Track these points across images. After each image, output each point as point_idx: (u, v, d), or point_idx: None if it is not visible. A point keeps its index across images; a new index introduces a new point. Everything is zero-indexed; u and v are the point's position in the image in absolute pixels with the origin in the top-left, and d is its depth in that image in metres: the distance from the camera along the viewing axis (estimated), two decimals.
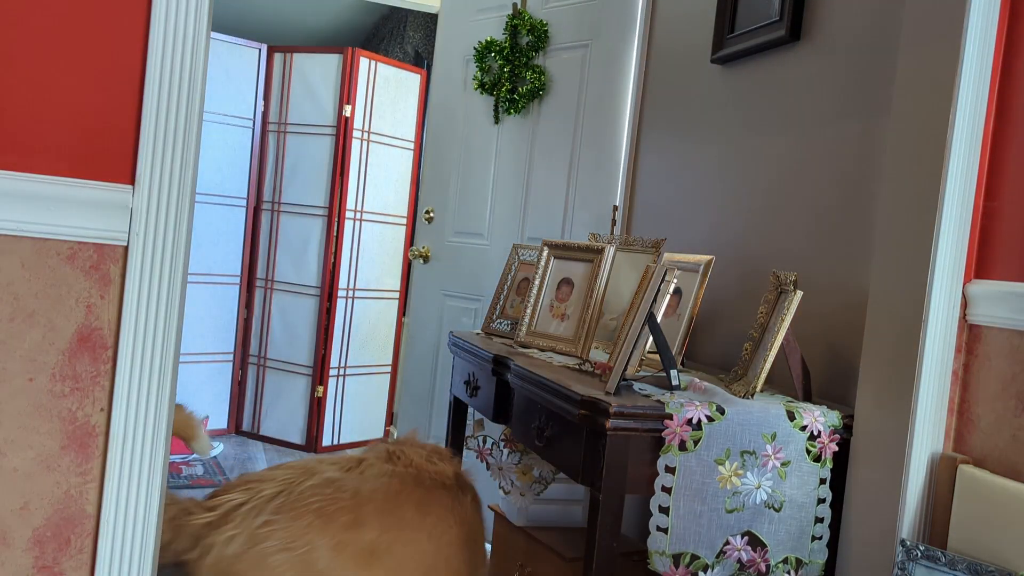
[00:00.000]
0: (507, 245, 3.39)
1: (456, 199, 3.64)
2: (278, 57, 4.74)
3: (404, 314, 4.98)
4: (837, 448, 1.69)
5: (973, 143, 1.54)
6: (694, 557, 1.61)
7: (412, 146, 5.00)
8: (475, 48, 3.49)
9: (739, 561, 1.62)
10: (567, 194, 3.24)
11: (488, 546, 2.01)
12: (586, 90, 3.19)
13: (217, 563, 1.48)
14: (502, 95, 3.40)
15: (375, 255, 4.88)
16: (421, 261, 3.70)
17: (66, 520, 1.51)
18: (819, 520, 1.68)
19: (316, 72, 4.70)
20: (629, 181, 2.94)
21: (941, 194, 1.53)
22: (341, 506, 1.58)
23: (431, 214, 3.69)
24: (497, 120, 3.48)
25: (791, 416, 1.66)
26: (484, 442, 2.61)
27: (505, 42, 3.39)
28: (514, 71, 3.37)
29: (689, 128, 2.60)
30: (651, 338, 1.78)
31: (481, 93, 3.50)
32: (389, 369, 5.06)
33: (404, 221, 5.02)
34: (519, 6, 3.41)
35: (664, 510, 1.60)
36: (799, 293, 1.73)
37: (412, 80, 5.00)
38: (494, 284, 3.39)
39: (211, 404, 4.67)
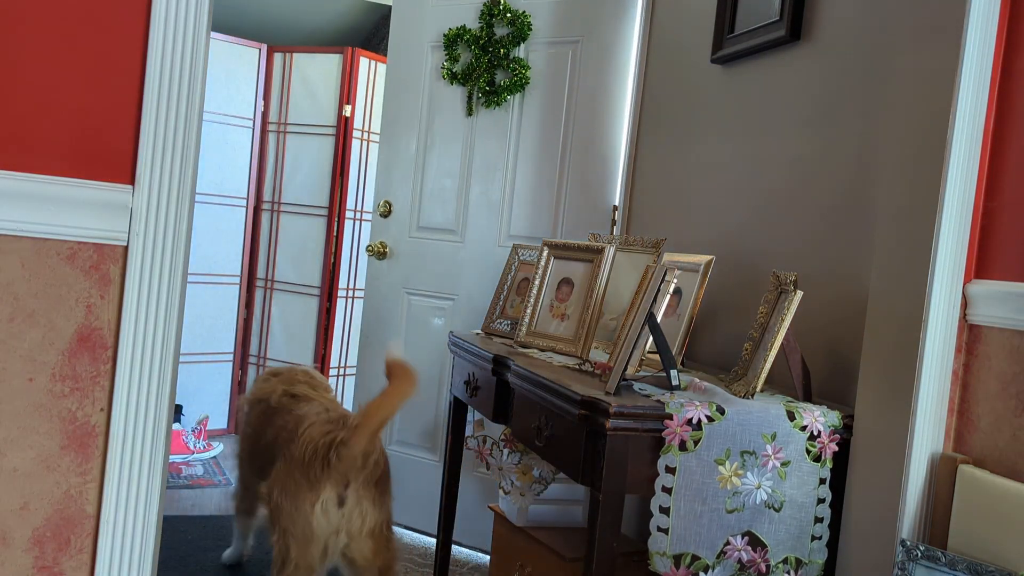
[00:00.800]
0: (484, 243, 3.31)
1: (418, 193, 3.48)
2: (278, 57, 4.74)
3: None
4: (837, 448, 1.69)
5: (973, 143, 1.54)
6: (695, 557, 1.61)
7: None
8: (444, 35, 3.34)
9: (739, 561, 1.62)
10: (558, 193, 3.17)
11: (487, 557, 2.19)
12: (577, 87, 3.14)
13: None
14: (480, 86, 3.27)
15: None
16: (376, 258, 3.55)
17: (66, 520, 1.51)
18: (819, 520, 1.68)
19: (316, 72, 4.70)
20: (629, 181, 2.93)
21: (941, 194, 1.53)
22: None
23: (389, 208, 3.54)
24: (471, 112, 3.34)
25: (791, 416, 1.66)
26: (484, 442, 2.61)
27: (481, 31, 3.26)
28: (491, 62, 3.24)
29: (689, 128, 2.60)
30: (651, 338, 1.78)
31: (451, 83, 3.35)
32: None
33: None
34: None
35: (664, 510, 1.60)
36: (799, 293, 1.73)
37: None
38: (470, 283, 3.33)
39: (211, 404, 4.67)
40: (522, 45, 3.24)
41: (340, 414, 2.29)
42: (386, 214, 3.54)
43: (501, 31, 3.26)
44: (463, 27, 3.30)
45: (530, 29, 3.21)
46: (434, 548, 3.05)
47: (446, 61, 3.36)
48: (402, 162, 3.53)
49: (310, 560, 2.15)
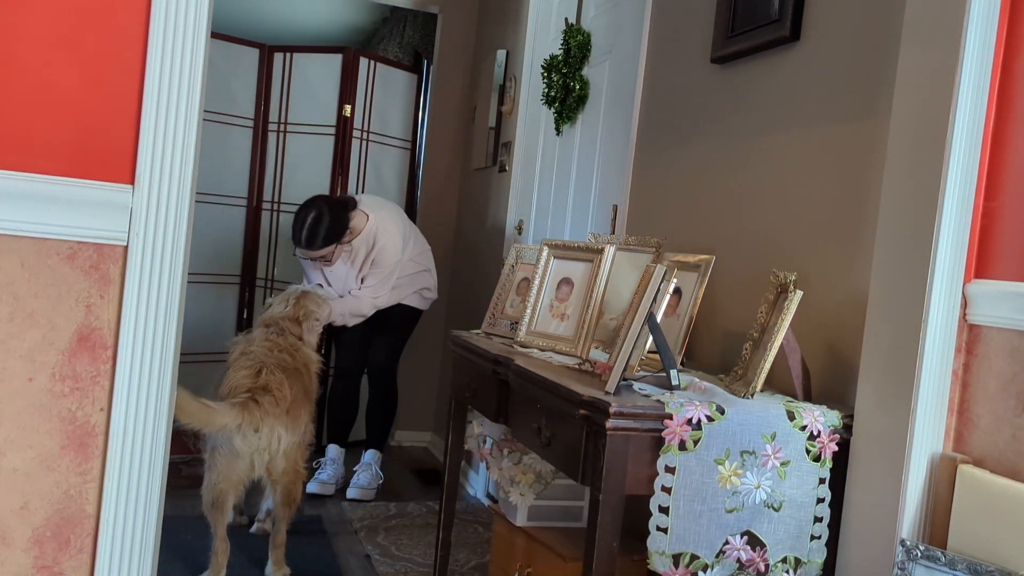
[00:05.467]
0: None
1: (536, 210, 3.84)
2: (278, 57, 4.74)
3: None
4: (837, 448, 1.69)
5: (973, 143, 1.54)
6: (694, 557, 1.61)
7: (409, 146, 4.99)
8: (542, 65, 3.61)
9: (738, 560, 1.62)
10: (591, 198, 3.31)
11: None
12: (609, 94, 3.25)
13: None
14: (555, 107, 3.53)
15: None
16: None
17: (66, 520, 1.51)
18: (818, 520, 1.68)
19: (316, 72, 4.70)
20: (629, 181, 2.94)
21: (941, 194, 1.53)
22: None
23: (521, 226, 3.92)
24: (558, 132, 3.62)
25: (791, 416, 1.66)
26: (484, 442, 2.61)
27: (561, 56, 3.49)
28: (565, 83, 3.47)
29: (689, 128, 2.60)
30: (651, 338, 1.78)
31: (547, 107, 3.62)
32: None
33: None
34: (570, 20, 3.51)
35: (664, 510, 1.60)
36: (799, 293, 1.73)
37: (411, 80, 4.99)
38: None
39: None
40: (585, 63, 3.44)
41: (259, 363, 2.81)
42: (520, 231, 3.94)
43: (574, 54, 3.46)
44: (553, 55, 3.55)
45: (590, 47, 3.40)
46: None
47: (544, 87, 3.61)
48: (527, 184, 3.93)
49: (238, 472, 2.75)
